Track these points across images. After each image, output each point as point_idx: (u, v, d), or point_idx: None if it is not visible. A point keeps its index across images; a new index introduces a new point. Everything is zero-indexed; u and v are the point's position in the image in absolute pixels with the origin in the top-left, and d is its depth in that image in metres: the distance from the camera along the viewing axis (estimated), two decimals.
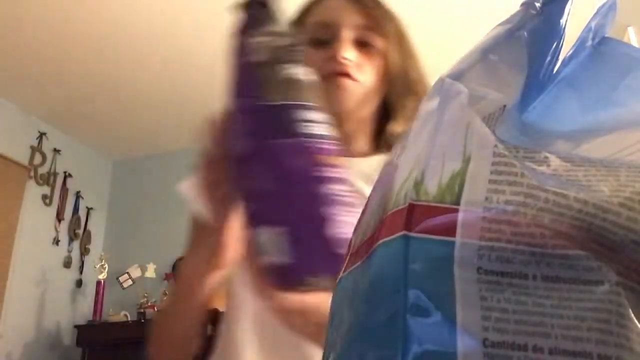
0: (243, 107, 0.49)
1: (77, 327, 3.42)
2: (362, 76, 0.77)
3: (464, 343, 0.21)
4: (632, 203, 0.23)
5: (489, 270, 0.22)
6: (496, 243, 0.23)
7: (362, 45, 0.78)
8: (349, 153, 0.76)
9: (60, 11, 2.66)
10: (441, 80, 0.28)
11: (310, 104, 0.50)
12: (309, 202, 0.47)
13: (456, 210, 0.24)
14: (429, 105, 0.28)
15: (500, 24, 0.30)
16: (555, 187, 0.24)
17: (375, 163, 0.75)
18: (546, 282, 0.22)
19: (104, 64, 3.12)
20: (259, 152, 0.47)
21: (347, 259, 0.31)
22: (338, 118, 0.76)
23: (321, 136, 0.49)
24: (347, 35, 0.77)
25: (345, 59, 0.76)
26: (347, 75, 0.76)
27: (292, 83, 0.50)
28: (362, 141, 0.83)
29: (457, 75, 0.28)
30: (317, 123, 0.49)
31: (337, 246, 0.48)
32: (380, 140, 0.82)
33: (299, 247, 0.47)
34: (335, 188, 0.48)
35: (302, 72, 0.51)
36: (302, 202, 0.47)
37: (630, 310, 0.22)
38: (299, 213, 0.47)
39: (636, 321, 0.22)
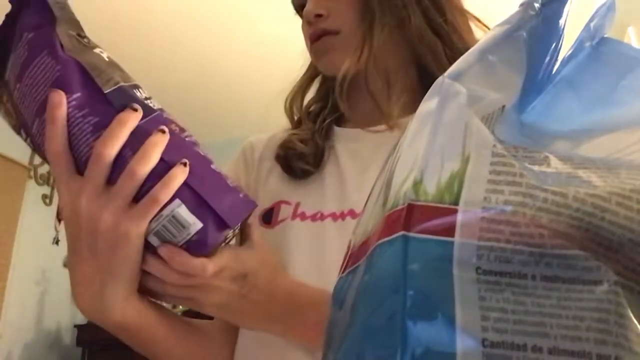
0: (81, 104, 0.45)
1: (77, 327, 3.42)
2: (342, 23, 0.66)
3: (463, 343, 0.21)
4: (630, 202, 0.23)
5: (488, 271, 0.22)
6: (495, 243, 0.23)
7: None
8: (385, 117, 0.65)
9: None
10: (440, 81, 0.28)
11: (136, 82, 0.49)
12: (194, 162, 0.45)
13: (455, 211, 0.24)
14: (428, 105, 0.28)
15: (499, 25, 0.30)
16: (554, 185, 0.24)
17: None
18: (545, 282, 0.22)
19: None
20: (132, 138, 0.44)
21: (347, 259, 0.31)
22: (349, 82, 0.66)
23: (162, 108, 0.49)
24: None
25: (314, 16, 0.66)
26: (321, 35, 0.67)
27: (112, 65, 0.48)
28: (400, 94, 0.67)
29: (456, 75, 0.28)
30: (150, 97, 0.49)
31: (227, 179, 0.47)
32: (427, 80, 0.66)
33: (202, 203, 0.45)
34: (201, 147, 0.48)
35: (106, 54, 0.49)
36: (193, 163, 0.45)
37: (629, 310, 0.22)
38: (194, 174, 0.45)
39: (635, 321, 0.22)
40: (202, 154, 0.48)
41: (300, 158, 0.68)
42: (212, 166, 0.48)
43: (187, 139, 0.48)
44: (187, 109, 3.34)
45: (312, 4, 0.68)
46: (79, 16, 0.51)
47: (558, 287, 0.22)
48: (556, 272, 0.22)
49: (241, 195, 0.48)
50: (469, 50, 0.30)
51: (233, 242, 0.52)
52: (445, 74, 0.28)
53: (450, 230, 0.23)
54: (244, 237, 0.53)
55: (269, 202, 0.68)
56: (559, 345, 0.21)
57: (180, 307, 3.02)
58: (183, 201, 0.44)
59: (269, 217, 0.67)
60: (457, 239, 0.23)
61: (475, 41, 0.66)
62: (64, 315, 3.54)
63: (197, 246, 0.45)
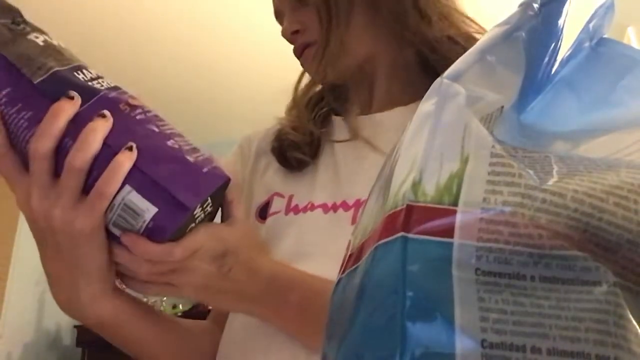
0: (13, 99, 0.43)
1: (77, 327, 3.42)
2: (316, 32, 0.66)
3: (462, 344, 0.21)
4: (628, 202, 0.23)
5: (487, 272, 0.22)
6: (494, 244, 0.23)
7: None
8: (375, 108, 0.68)
9: (59, 11, 2.66)
10: (439, 81, 0.28)
11: (80, 63, 0.46)
12: (145, 142, 0.43)
13: (454, 212, 0.24)
14: (426, 106, 0.28)
15: (498, 25, 0.30)
16: (553, 186, 0.24)
17: (401, 114, 0.64)
18: (544, 283, 0.22)
19: (102, 65, 3.12)
20: (73, 126, 0.42)
21: (346, 260, 0.31)
22: (342, 85, 0.71)
23: (114, 87, 0.46)
24: (278, 5, 0.71)
25: (290, 34, 0.68)
26: (303, 49, 0.68)
27: (47, 50, 0.46)
28: (390, 88, 0.68)
29: (455, 76, 0.28)
30: (99, 77, 0.46)
31: (187, 155, 0.44)
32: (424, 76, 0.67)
33: (155, 186, 0.42)
34: (159, 123, 0.45)
35: (42, 37, 0.46)
36: (143, 143, 0.42)
37: (628, 311, 0.22)
38: (144, 155, 0.42)
39: (634, 321, 0.22)
40: (157, 130, 0.45)
41: (295, 148, 0.66)
42: (169, 143, 0.44)
43: (138, 116, 0.45)
44: (187, 109, 3.34)
45: (286, 22, 0.69)
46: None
47: (557, 288, 0.22)
48: (555, 273, 0.22)
49: (205, 170, 0.45)
50: (468, 51, 0.30)
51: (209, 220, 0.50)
52: (444, 74, 0.28)
53: (449, 231, 0.23)
54: (225, 214, 0.51)
55: (264, 195, 0.67)
56: (558, 346, 0.21)
57: (181, 306, 3.02)
58: (133, 187, 0.42)
59: (264, 213, 0.66)
60: (456, 239, 0.23)
61: (458, 18, 0.67)
62: (64, 315, 3.53)
63: (157, 232, 0.42)
